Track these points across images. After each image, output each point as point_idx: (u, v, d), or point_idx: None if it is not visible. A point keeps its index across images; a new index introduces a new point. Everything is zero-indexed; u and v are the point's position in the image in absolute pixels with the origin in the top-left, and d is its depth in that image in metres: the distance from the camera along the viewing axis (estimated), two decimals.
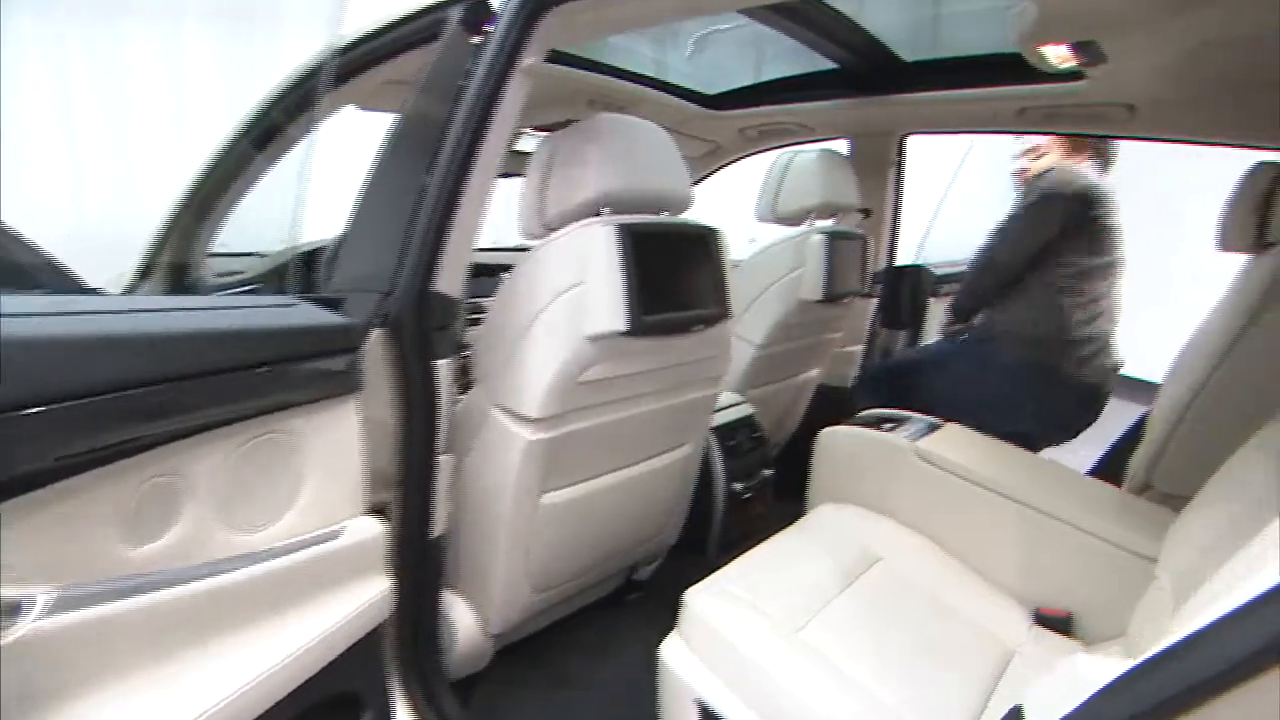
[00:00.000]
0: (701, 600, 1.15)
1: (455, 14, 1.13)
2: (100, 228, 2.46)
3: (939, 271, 2.70)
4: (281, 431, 0.94)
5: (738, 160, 2.75)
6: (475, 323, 1.46)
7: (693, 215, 1.44)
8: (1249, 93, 1.59)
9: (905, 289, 2.65)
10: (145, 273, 1.73)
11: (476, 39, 1.11)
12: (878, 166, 2.36)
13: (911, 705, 1.00)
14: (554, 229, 1.25)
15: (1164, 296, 3.40)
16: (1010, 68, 1.82)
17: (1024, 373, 1.95)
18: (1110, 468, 1.76)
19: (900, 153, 2.40)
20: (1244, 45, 1.33)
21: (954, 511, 1.44)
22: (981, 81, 1.88)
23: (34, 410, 0.68)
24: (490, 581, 1.34)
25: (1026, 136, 2.16)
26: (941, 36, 2.08)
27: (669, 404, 1.48)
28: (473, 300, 1.51)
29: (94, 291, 1.27)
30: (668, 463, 1.59)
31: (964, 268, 2.80)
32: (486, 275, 1.65)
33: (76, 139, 2.63)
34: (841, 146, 2.40)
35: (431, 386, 1.13)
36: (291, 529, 0.97)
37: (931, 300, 2.67)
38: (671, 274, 1.32)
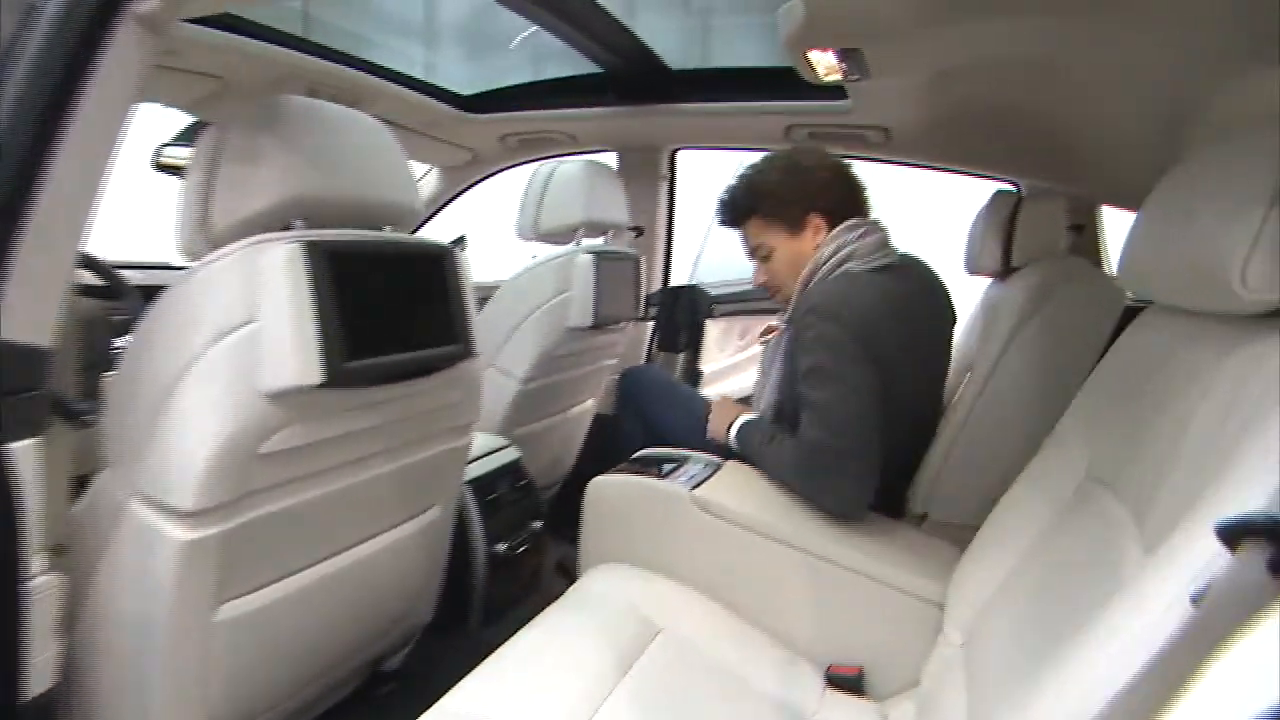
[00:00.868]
0: None
1: None
2: None
3: (714, 291, 2.63)
4: None
5: (501, 172, 2.50)
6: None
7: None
8: (983, 125, 1.64)
9: (681, 310, 2.55)
10: None
11: None
12: (648, 181, 2.23)
13: None
14: (224, 245, 0.92)
15: None
16: (779, 82, 1.76)
17: None
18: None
19: (672, 167, 2.29)
20: (980, 76, 1.33)
21: (737, 565, 1.28)
22: (750, 95, 1.79)
23: None
24: None
25: None
26: (712, 47, 1.99)
27: (403, 464, 1.19)
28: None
29: None
30: (411, 533, 1.29)
31: (740, 287, 2.78)
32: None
33: None
34: (611, 161, 2.24)
35: (4, 482, 0.75)
36: None
37: (708, 321, 2.60)
38: (391, 305, 1.04)
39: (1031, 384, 1.31)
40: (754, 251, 1.50)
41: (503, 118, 2.11)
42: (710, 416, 1.56)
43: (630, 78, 1.86)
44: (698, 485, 1.34)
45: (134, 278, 1.24)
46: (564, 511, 1.76)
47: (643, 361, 2.40)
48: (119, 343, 1.23)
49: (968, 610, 1.05)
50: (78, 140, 0.75)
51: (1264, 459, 0.57)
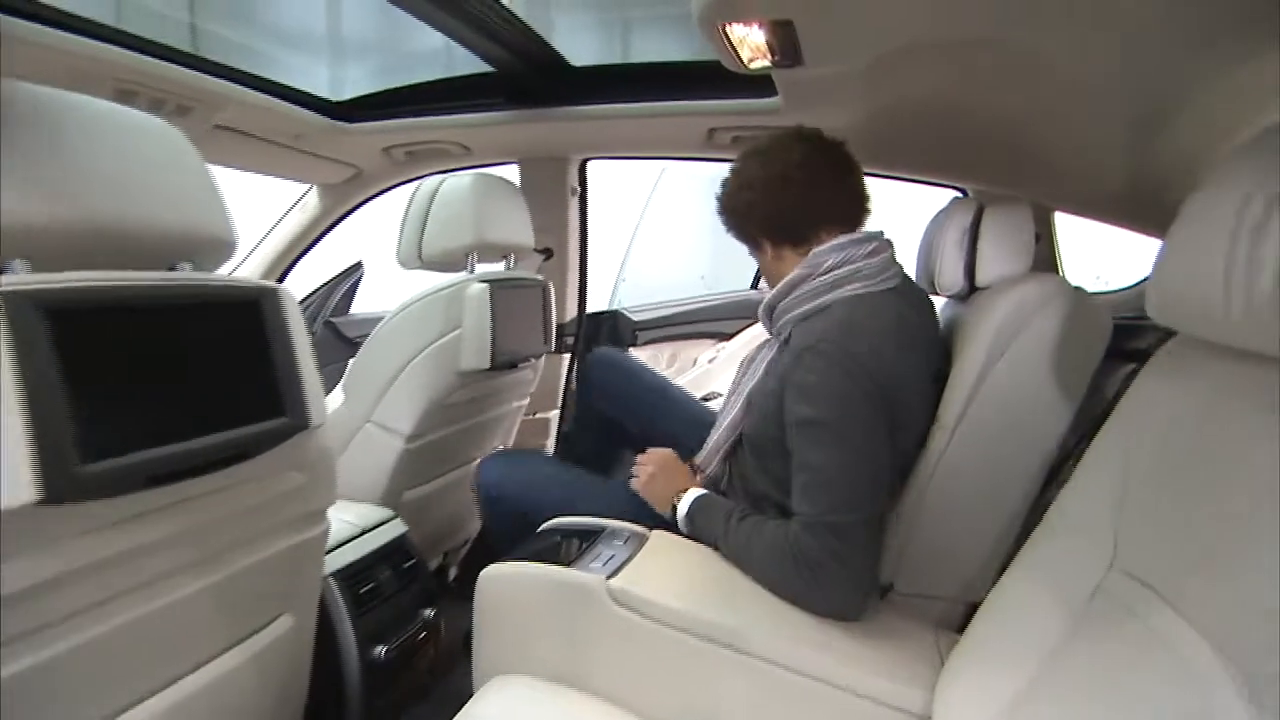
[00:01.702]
0: None
1: None
2: None
3: (638, 316, 2.39)
4: None
5: (392, 189, 2.20)
6: None
7: None
8: (925, 124, 1.45)
9: (602, 340, 2.30)
10: None
11: None
12: (555, 196, 1.96)
13: None
14: None
15: None
16: (699, 80, 1.53)
17: None
18: None
19: (583, 180, 2.03)
20: (925, 66, 1.13)
21: (668, 675, 1.02)
22: (666, 94, 1.56)
23: None
24: None
25: None
26: (621, 42, 1.75)
27: (231, 573, 0.89)
28: None
29: None
30: (255, 652, 0.98)
31: (667, 309, 2.54)
32: None
33: None
34: (514, 176, 1.97)
35: None
36: None
37: (633, 350, 2.35)
38: (168, 373, 0.74)
39: (1011, 429, 1.09)
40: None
41: (383, 127, 1.82)
42: (646, 479, 1.29)
43: (525, 76, 1.60)
44: (616, 572, 1.07)
45: None
46: (478, 571, 1.49)
47: (558, 404, 2.13)
48: None
49: None
50: None
51: None
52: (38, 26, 1.21)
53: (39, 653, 0.70)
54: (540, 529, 1.27)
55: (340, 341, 2.53)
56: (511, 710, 0.99)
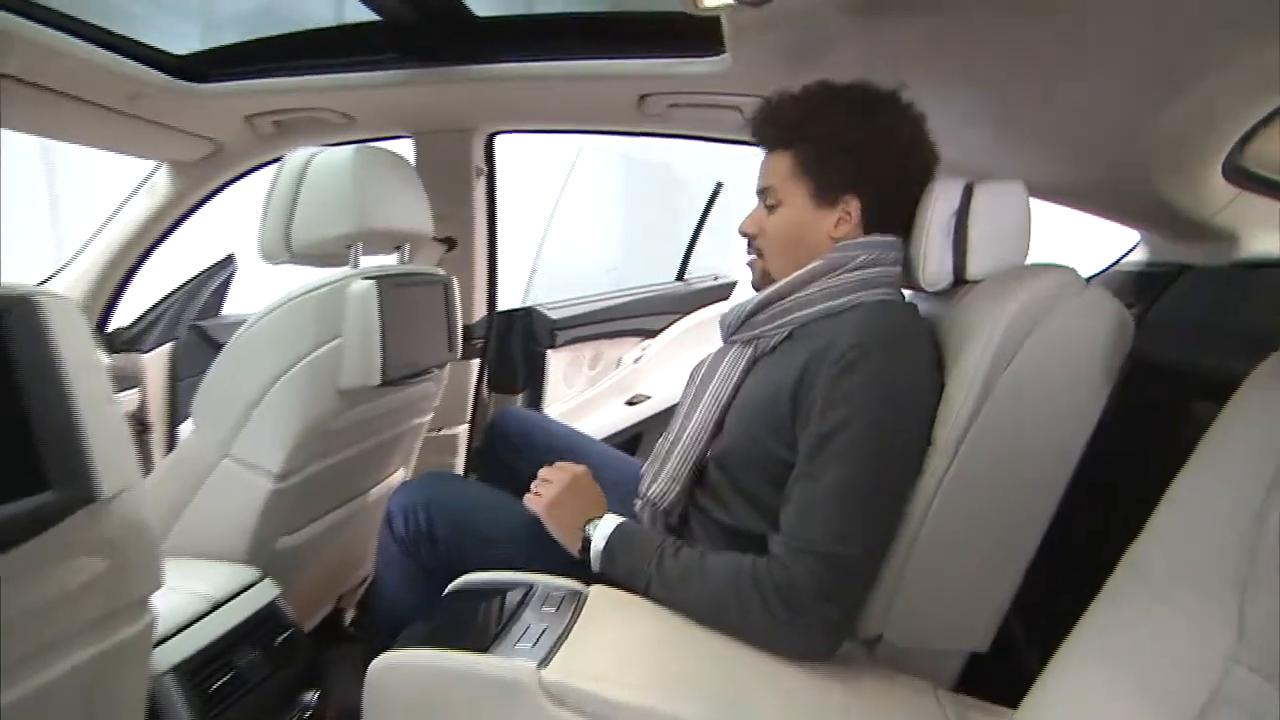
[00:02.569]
0: None
1: None
2: None
3: (556, 314, 2.13)
4: None
5: (261, 169, 1.85)
6: None
7: None
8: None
9: (516, 341, 2.03)
10: None
11: None
12: (458, 176, 1.68)
13: None
14: None
15: None
16: (631, 35, 1.29)
17: None
18: None
19: (490, 158, 1.76)
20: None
21: None
22: (591, 52, 1.31)
23: None
24: None
25: None
26: None
27: None
28: None
29: None
30: None
31: (586, 306, 2.29)
32: None
33: None
34: (408, 152, 1.68)
35: None
36: None
37: (550, 352, 2.09)
38: None
39: (1023, 450, 0.91)
40: (763, 192, 1.07)
41: (244, 88, 1.48)
42: (550, 501, 1.05)
43: (420, 27, 1.31)
44: (550, 655, 0.82)
45: None
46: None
47: (467, 417, 1.85)
48: None
49: None
50: None
51: None
52: None
53: None
54: (447, 590, 1.01)
55: (209, 347, 2.15)
56: None
